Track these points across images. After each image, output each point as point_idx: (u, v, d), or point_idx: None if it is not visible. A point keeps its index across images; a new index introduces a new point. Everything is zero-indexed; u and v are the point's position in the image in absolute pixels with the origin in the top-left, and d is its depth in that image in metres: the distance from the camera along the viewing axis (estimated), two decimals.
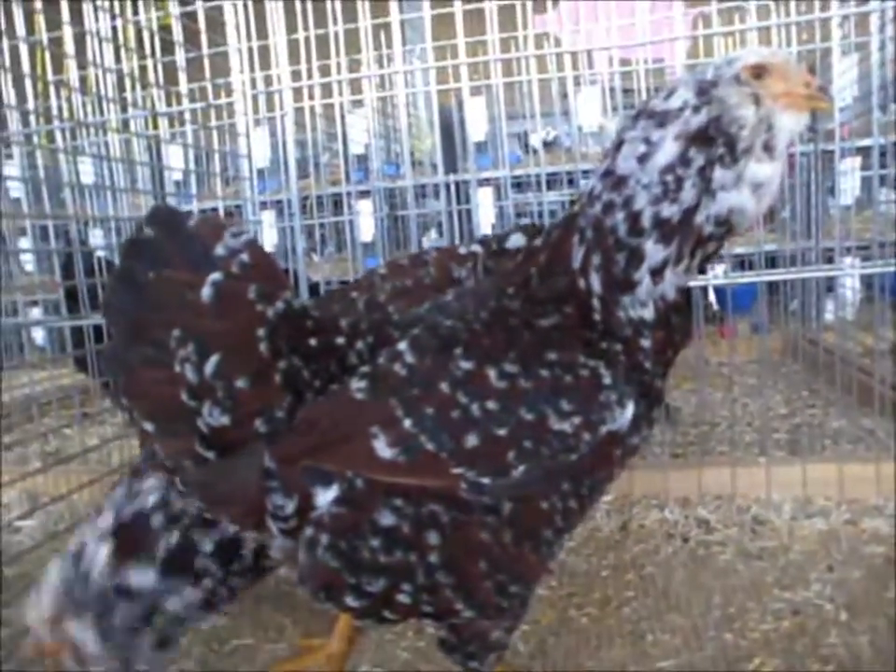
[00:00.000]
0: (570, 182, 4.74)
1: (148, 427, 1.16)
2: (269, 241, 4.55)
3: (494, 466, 1.13)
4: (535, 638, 1.84)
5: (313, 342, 1.20)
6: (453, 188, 5.07)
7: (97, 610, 1.45)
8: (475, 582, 1.17)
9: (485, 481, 1.13)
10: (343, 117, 4.08)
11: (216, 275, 1.11)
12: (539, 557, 1.22)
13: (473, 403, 1.13)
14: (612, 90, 2.99)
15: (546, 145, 5.02)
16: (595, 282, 1.22)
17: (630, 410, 1.16)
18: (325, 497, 1.14)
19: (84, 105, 3.95)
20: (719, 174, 1.17)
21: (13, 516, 2.53)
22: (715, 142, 1.16)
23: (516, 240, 1.93)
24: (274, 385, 1.14)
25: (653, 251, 1.19)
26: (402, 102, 3.69)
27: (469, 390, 1.13)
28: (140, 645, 1.48)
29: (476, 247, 1.87)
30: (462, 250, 1.84)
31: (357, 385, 1.16)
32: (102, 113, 3.70)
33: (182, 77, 3.01)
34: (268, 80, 3.41)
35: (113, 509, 1.51)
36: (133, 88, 3.78)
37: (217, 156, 3.98)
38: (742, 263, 4.16)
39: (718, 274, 2.57)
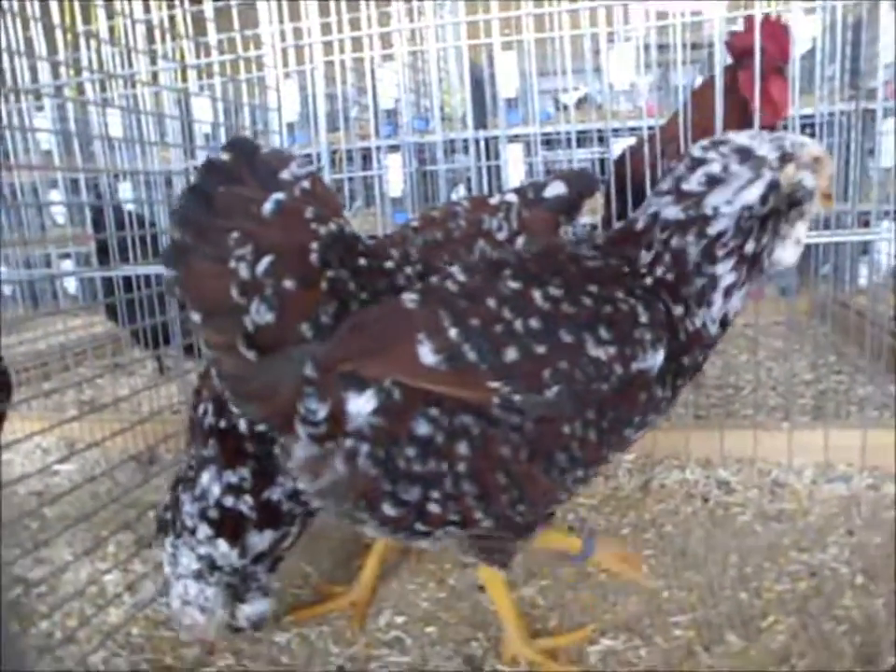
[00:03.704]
0: (601, 140, 4.67)
1: (196, 318, 1.22)
2: None
3: (529, 383, 1.18)
4: (553, 593, 1.89)
5: (362, 261, 1.28)
6: (482, 143, 5.01)
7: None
8: (494, 493, 1.24)
9: (518, 398, 1.18)
10: (372, 71, 4.04)
11: (279, 195, 1.20)
12: (549, 481, 1.28)
13: (517, 319, 1.19)
14: (647, 46, 2.91)
15: (578, 103, 4.94)
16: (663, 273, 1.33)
17: (661, 354, 1.24)
18: (356, 404, 1.19)
19: (113, 56, 3.95)
20: (783, 228, 1.36)
21: (52, 460, 2.63)
22: (784, 200, 1.33)
23: (556, 188, 1.81)
24: (320, 290, 1.21)
25: (727, 275, 1.33)
26: (433, 56, 3.63)
27: (514, 306, 1.20)
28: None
29: (510, 196, 1.81)
30: (494, 200, 1.80)
31: (409, 296, 1.23)
32: (131, 65, 3.70)
33: (211, 27, 2.99)
34: (297, 33, 3.37)
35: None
36: (163, 39, 3.77)
37: (246, 109, 3.98)
38: None
39: None
